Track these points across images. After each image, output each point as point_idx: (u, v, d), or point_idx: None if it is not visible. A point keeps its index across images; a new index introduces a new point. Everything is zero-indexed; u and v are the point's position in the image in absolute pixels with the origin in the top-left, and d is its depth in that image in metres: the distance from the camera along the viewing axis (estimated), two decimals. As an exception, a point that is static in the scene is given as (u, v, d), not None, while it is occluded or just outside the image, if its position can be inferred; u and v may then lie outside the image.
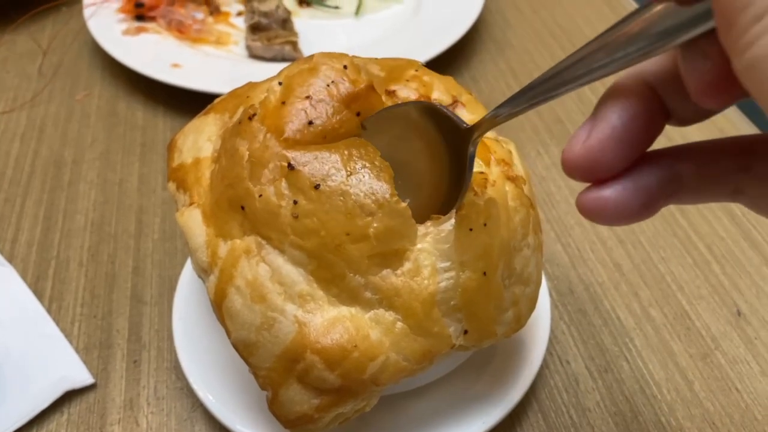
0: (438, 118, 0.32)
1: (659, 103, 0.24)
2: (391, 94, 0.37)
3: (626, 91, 0.24)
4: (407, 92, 0.37)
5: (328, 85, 0.34)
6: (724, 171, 0.25)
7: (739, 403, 0.44)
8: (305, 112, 0.34)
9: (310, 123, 0.33)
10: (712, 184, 0.25)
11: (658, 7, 0.21)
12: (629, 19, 0.22)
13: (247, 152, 0.34)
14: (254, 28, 0.74)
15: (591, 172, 0.24)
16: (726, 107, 0.22)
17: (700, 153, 0.25)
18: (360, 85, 0.34)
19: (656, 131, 0.24)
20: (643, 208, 0.24)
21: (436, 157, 0.32)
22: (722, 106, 0.21)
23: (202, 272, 0.35)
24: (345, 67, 0.35)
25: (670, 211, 0.57)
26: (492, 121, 0.28)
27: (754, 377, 0.46)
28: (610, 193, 0.24)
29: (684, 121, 0.25)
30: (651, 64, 0.24)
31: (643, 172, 0.24)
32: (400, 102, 0.37)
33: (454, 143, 0.31)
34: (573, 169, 0.24)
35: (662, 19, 0.20)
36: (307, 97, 0.34)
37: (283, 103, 0.35)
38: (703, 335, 0.48)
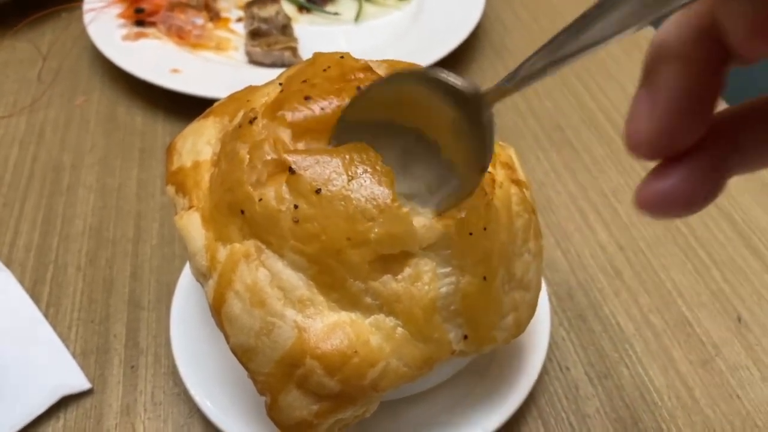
0: (436, 86, 0.28)
1: (716, 46, 0.20)
2: None
3: (677, 45, 0.20)
4: None
5: (324, 70, 0.34)
6: None
7: (740, 410, 0.44)
8: (302, 94, 0.34)
9: (307, 99, 0.33)
10: None
11: None
12: None
13: (248, 156, 0.33)
14: (254, 34, 0.74)
15: (664, 148, 0.21)
16: None
17: (758, 114, 0.22)
18: (358, 68, 0.34)
19: (721, 83, 0.21)
20: (712, 192, 0.21)
21: (442, 131, 0.30)
22: None
23: (201, 276, 0.35)
24: (342, 57, 0.35)
25: (670, 217, 0.57)
26: (504, 88, 0.25)
27: (755, 384, 0.46)
28: (676, 182, 0.21)
29: (749, 60, 0.21)
30: (695, 5, 0.20)
31: (706, 150, 0.21)
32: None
33: (462, 111, 0.28)
34: (642, 146, 0.21)
35: None
36: (304, 81, 0.34)
37: (281, 91, 0.35)
38: (704, 342, 0.48)
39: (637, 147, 0.21)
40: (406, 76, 0.30)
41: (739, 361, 0.47)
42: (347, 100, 0.33)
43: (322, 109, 0.34)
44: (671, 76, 0.20)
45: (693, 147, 0.21)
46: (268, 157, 0.33)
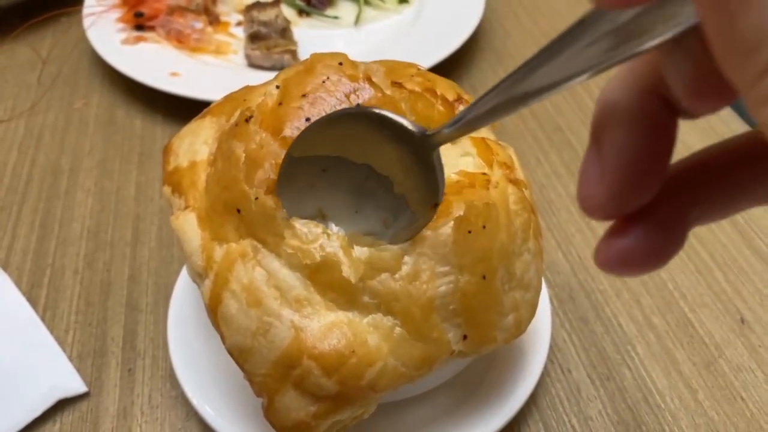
0: (383, 124, 0.29)
1: (663, 103, 0.20)
2: (397, 85, 0.36)
3: (623, 105, 0.20)
4: (412, 85, 0.37)
5: (323, 82, 0.34)
6: (751, 177, 0.20)
7: (744, 412, 0.44)
8: (302, 109, 0.33)
9: (308, 120, 0.33)
10: (741, 194, 0.21)
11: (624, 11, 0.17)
12: (588, 21, 0.18)
13: (244, 154, 0.33)
14: (253, 37, 0.74)
15: (619, 210, 0.20)
16: (724, 107, 0.19)
17: (719, 163, 0.21)
18: (358, 79, 0.34)
19: (672, 138, 0.20)
20: (673, 247, 0.20)
21: (392, 167, 0.30)
22: (717, 108, 0.19)
23: (197, 277, 0.35)
24: (340, 63, 0.34)
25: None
26: (448, 134, 0.25)
27: (759, 386, 0.45)
28: (633, 241, 0.20)
29: (695, 114, 0.21)
30: (640, 62, 0.20)
31: (665, 205, 0.20)
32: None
33: (410, 150, 0.28)
34: (595, 209, 0.20)
35: (630, 20, 0.17)
36: (304, 95, 0.34)
37: (280, 104, 0.34)
38: (707, 343, 0.48)
39: (590, 211, 0.21)
40: (353, 114, 0.30)
41: (742, 362, 0.46)
42: None
43: None
44: (618, 138, 0.20)
45: (651, 202, 0.20)
46: (271, 176, 0.33)
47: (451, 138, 0.26)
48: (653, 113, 0.20)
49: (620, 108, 0.20)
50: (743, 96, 0.15)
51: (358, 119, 0.29)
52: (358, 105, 0.33)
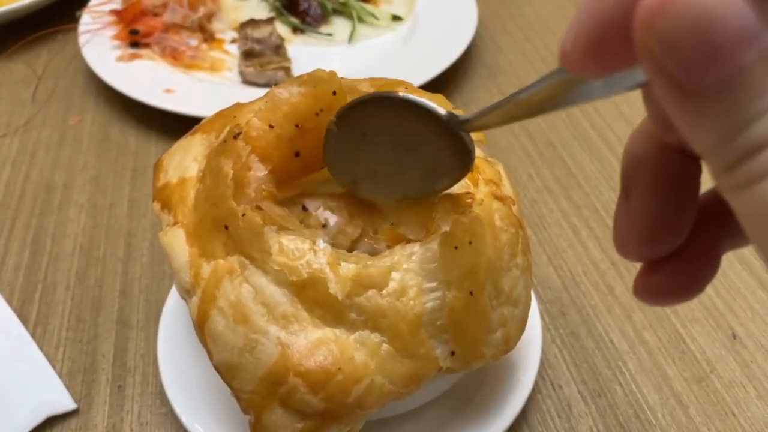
0: (416, 110, 0.30)
1: (683, 154, 0.20)
2: None
3: (645, 160, 0.21)
4: None
5: (317, 114, 0.34)
6: None
7: (736, 428, 0.43)
8: (294, 146, 0.34)
9: (297, 155, 0.34)
10: None
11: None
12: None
13: (232, 171, 0.33)
14: (247, 54, 0.74)
15: (651, 254, 0.21)
16: None
17: None
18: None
19: (695, 184, 0.21)
20: (706, 278, 0.22)
21: (421, 145, 0.31)
22: None
23: (185, 293, 0.35)
24: (334, 94, 0.34)
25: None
26: (483, 118, 0.26)
27: (751, 402, 0.45)
28: (666, 277, 0.21)
29: None
30: (652, 114, 0.21)
31: (696, 239, 0.21)
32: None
33: (441, 133, 0.30)
34: (630, 255, 0.22)
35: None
36: (297, 126, 0.34)
37: (272, 126, 0.34)
38: (698, 359, 0.47)
39: (626, 256, 0.22)
40: (386, 98, 0.31)
41: (734, 378, 0.46)
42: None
43: (307, 166, 0.35)
44: (642, 190, 0.20)
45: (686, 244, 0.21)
46: (252, 198, 0.33)
47: (476, 126, 0.27)
48: (674, 164, 0.20)
49: (642, 162, 0.21)
50: (715, 177, 0.15)
51: (391, 103, 0.30)
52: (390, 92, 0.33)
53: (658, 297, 0.22)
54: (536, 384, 0.45)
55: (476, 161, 0.37)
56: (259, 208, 0.33)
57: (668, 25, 0.13)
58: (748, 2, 0.13)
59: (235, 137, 0.34)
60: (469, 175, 0.36)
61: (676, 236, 0.21)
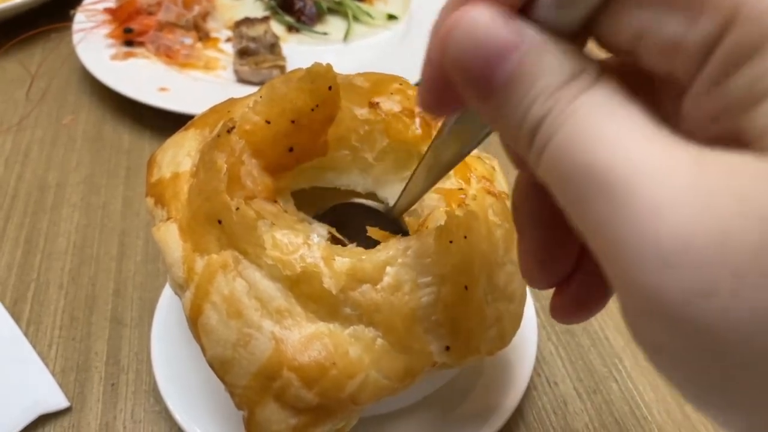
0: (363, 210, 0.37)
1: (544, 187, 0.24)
2: (374, 106, 0.37)
3: (522, 203, 0.24)
4: (391, 104, 0.37)
5: (312, 110, 0.34)
6: None
7: (732, 425, 0.43)
8: (288, 141, 0.35)
9: (291, 150, 0.35)
10: None
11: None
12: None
13: (225, 165, 0.33)
14: (242, 53, 0.74)
15: (551, 280, 0.25)
16: None
17: None
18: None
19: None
20: (604, 297, 0.24)
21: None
22: None
23: (179, 288, 0.34)
24: (330, 88, 0.34)
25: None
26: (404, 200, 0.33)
27: (746, 398, 0.45)
28: (566, 298, 0.25)
29: None
30: (510, 157, 0.25)
31: (584, 266, 0.24)
32: (382, 114, 0.37)
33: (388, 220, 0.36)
34: (534, 282, 0.25)
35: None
36: (293, 122, 0.34)
37: (268, 121, 0.34)
38: (694, 355, 0.47)
39: (535, 285, 0.25)
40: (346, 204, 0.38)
41: (729, 374, 0.46)
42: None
43: (299, 160, 0.36)
44: (528, 231, 0.24)
45: (576, 267, 0.24)
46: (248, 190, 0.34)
47: (404, 209, 0.34)
48: (543, 200, 0.23)
49: (520, 205, 0.25)
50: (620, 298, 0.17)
51: (352, 205, 0.38)
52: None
53: (568, 315, 0.25)
54: (532, 381, 0.45)
55: (468, 159, 0.38)
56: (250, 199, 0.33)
57: (454, 50, 0.18)
58: (502, 23, 0.18)
59: (229, 131, 0.34)
60: (460, 172, 0.36)
61: (565, 261, 0.24)
